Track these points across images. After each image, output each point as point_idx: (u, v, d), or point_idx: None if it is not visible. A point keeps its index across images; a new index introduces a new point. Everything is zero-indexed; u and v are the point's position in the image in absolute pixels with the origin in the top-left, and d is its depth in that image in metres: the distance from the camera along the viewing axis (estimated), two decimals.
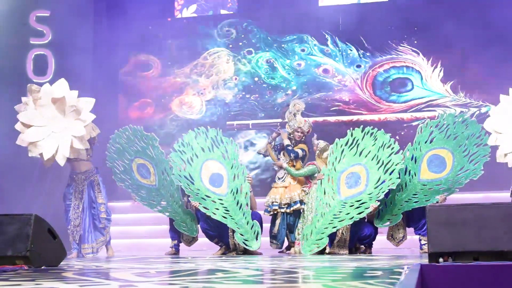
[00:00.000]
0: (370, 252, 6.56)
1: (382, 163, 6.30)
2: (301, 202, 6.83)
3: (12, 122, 9.07)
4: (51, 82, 9.29)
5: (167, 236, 7.34)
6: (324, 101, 10.17)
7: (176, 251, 6.94)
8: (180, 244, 7.00)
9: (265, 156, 7.48)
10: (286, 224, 6.89)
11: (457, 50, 9.81)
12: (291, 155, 6.99)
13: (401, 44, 10.05)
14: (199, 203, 6.46)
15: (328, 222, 6.32)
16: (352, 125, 9.15)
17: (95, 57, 10.03)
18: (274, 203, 6.92)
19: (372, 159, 6.35)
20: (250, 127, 10.41)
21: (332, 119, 10.08)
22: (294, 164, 7.06)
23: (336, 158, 6.47)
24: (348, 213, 6.27)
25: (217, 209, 6.45)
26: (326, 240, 6.31)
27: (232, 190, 6.52)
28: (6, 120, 9.11)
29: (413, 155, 6.51)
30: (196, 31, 10.86)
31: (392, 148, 6.34)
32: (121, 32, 10.78)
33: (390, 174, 6.28)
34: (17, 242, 4.02)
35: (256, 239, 6.40)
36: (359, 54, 10.18)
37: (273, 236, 6.93)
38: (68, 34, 9.58)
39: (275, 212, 6.92)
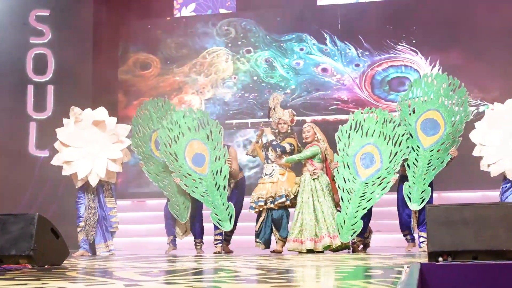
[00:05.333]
0: (366, 247, 6.69)
1: (389, 138, 6.50)
2: (287, 197, 6.54)
3: (12, 120, 9.16)
4: (51, 81, 9.43)
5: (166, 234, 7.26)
6: (323, 100, 10.19)
7: (174, 247, 6.96)
8: (176, 238, 7.03)
9: (254, 156, 7.21)
10: (271, 221, 6.62)
11: (454, 49, 9.81)
12: (277, 149, 6.67)
13: (400, 43, 10.06)
14: (180, 180, 6.69)
15: (357, 205, 6.43)
16: None
17: (95, 56, 10.04)
18: (260, 199, 6.60)
19: (379, 136, 6.52)
20: (249, 126, 10.41)
21: (331, 118, 10.09)
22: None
23: (345, 144, 6.57)
24: (372, 192, 6.44)
25: (196, 187, 6.70)
26: (361, 223, 6.37)
27: (212, 171, 6.73)
28: (6, 118, 9.16)
29: (408, 133, 6.59)
30: (196, 30, 10.85)
31: (394, 122, 6.54)
32: (120, 31, 10.80)
33: (399, 145, 6.46)
34: (20, 241, 4.06)
35: (230, 221, 6.62)
36: (357, 53, 10.19)
37: (256, 235, 6.67)
38: (67, 34, 9.62)
39: (261, 208, 6.62)
